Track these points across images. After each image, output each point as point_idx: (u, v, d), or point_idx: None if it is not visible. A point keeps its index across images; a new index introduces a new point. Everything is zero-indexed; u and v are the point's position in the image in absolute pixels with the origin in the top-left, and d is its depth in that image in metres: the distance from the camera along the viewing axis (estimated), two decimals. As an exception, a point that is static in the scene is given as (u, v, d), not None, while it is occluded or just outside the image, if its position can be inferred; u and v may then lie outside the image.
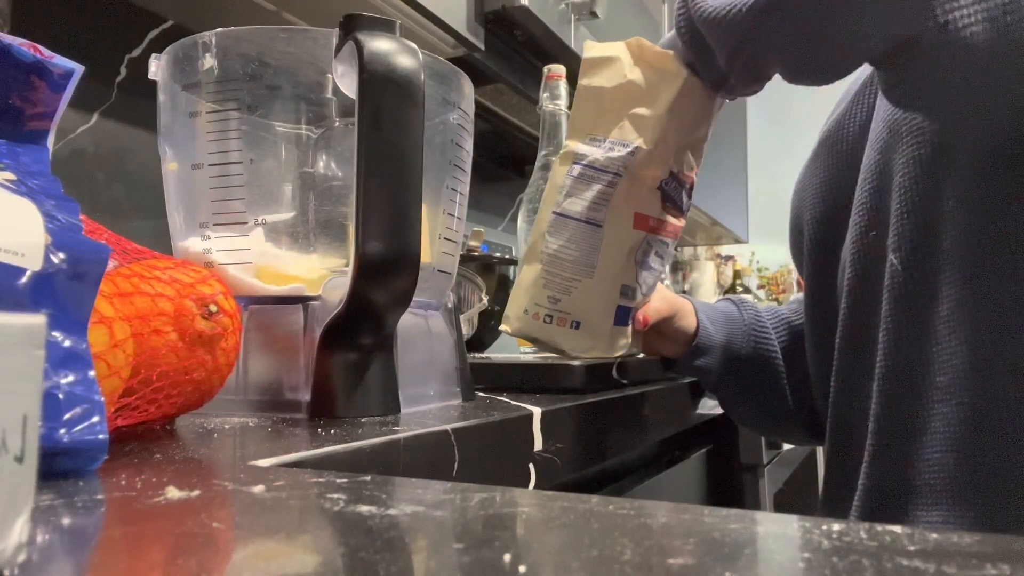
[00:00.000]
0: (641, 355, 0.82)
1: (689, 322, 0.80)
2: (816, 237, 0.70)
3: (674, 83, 0.71)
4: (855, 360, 0.62)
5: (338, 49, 0.48)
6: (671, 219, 0.76)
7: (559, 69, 1.05)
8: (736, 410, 0.83)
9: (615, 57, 0.73)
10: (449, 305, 0.60)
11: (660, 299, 0.79)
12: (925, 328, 0.55)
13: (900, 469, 0.56)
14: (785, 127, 3.65)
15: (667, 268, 0.80)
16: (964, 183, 0.53)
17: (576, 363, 0.70)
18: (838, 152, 0.67)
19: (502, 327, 0.77)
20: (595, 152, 0.73)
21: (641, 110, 0.72)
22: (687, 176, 0.75)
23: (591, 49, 0.75)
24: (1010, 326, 0.51)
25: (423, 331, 0.56)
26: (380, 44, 0.45)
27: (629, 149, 0.72)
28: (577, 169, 0.74)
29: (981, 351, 0.52)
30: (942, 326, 0.54)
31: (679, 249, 3.24)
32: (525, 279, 0.75)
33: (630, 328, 0.75)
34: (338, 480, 0.28)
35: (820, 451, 1.43)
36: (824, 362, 0.69)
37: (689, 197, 0.78)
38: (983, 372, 0.52)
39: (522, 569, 0.18)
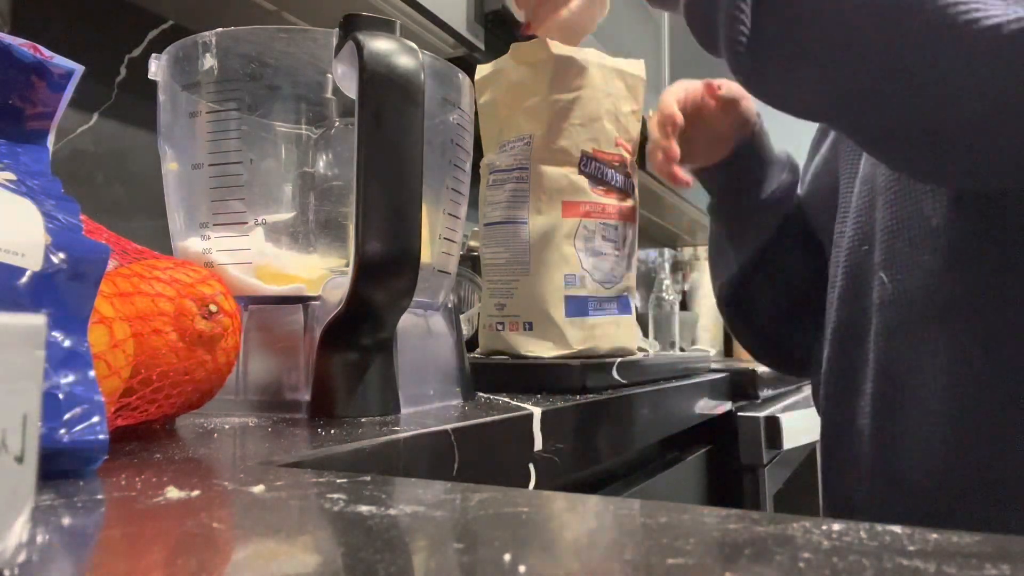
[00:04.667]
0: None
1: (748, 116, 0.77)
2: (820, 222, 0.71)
3: (547, 66, 0.75)
4: (847, 370, 0.62)
5: (338, 49, 0.48)
6: (611, 200, 0.77)
7: None
8: (751, 290, 0.79)
9: (499, 68, 0.78)
10: (449, 305, 0.60)
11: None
12: (916, 348, 0.54)
13: (889, 483, 0.57)
14: (786, 126, 3.64)
15: (624, 249, 0.81)
16: (944, 205, 0.53)
17: (576, 363, 0.70)
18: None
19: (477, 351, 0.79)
20: (500, 157, 0.77)
21: (529, 102, 0.76)
22: (607, 154, 0.77)
23: (479, 71, 0.80)
24: (994, 347, 0.51)
25: (423, 331, 0.55)
26: (380, 44, 0.45)
27: (525, 140, 0.75)
28: (491, 179, 0.78)
29: (964, 371, 0.52)
30: (929, 347, 0.54)
31: (679, 249, 3.25)
32: (484, 298, 0.78)
33: (590, 319, 0.75)
34: (338, 480, 0.28)
35: (819, 452, 1.42)
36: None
37: (627, 176, 0.79)
38: (967, 391, 0.52)
39: (522, 569, 0.18)
